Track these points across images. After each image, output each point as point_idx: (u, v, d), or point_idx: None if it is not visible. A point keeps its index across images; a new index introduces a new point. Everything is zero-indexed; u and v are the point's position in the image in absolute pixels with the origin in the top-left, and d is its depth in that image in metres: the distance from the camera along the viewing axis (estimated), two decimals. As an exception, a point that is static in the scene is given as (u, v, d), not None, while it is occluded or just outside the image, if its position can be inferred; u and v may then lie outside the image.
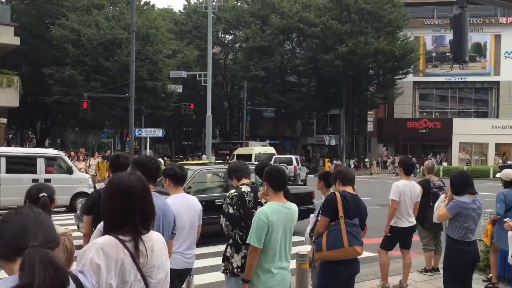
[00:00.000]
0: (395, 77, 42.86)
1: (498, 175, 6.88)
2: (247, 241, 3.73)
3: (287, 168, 27.19)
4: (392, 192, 6.25)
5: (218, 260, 7.78)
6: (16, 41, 30.63)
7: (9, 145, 42.00)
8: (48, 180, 12.69)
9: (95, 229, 3.71)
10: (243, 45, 45.62)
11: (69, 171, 14.33)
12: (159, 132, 27.02)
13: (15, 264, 1.50)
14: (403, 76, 42.84)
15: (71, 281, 1.56)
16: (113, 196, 2.13)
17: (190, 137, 61.89)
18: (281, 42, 44.36)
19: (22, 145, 51.79)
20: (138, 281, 2.08)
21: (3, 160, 13.02)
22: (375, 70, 42.29)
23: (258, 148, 29.56)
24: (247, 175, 4.55)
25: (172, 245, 3.57)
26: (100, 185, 16.05)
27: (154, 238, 2.19)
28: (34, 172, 13.36)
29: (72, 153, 23.86)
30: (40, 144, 46.07)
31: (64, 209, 13.89)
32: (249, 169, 4.68)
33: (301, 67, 44.05)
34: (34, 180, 11.97)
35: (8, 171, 12.99)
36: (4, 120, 30.47)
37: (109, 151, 33.23)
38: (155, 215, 2.26)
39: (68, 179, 14.05)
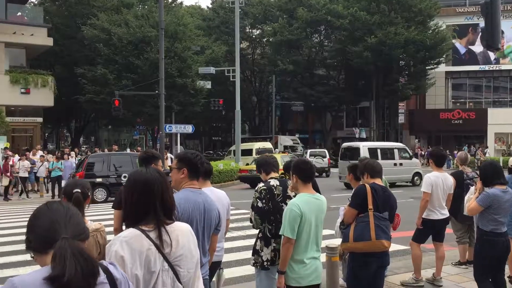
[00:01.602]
0: (426, 67, 41.95)
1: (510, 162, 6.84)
2: (280, 233, 3.77)
3: (323, 161, 28.57)
4: (424, 184, 6.15)
5: (248, 254, 7.87)
6: (49, 42, 31.46)
7: (45, 144, 43.20)
8: (400, 164, 20.96)
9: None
10: (270, 40, 45.48)
11: (410, 157, 21.99)
12: (189, 128, 27.28)
13: (47, 256, 1.54)
14: (435, 66, 41.88)
15: (101, 272, 1.60)
16: (133, 190, 2.20)
17: (220, 132, 62.24)
18: (309, 35, 44.00)
19: (57, 144, 53.23)
20: (166, 270, 2.13)
21: (379, 151, 20.45)
22: (405, 60, 41.48)
23: (258, 144, 31.94)
24: (275, 169, 4.57)
25: (216, 240, 3.58)
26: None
27: (179, 228, 2.24)
28: (393, 158, 20.93)
29: (106, 150, 24.33)
30: (75, 142, 47.22)
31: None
32: (278, 163, 4.69)
33: (330, 60, 43.57)
34: (394, 164, 20.53)
35: (382, 157, 19.57)
36: (40, 119, 31.36)
37: (139, 148, 33.78)
38: (175, 205, 2.30)
39: (409, 163, 21.48)
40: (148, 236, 2.11)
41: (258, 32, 51.28)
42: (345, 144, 22.67)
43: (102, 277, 1.59)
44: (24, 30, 30.07)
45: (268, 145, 32.24)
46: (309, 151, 31.50)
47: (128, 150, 29.72)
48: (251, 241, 8.92)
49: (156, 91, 25.47)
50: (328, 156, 30.05)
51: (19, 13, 34.41)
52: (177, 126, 26.82)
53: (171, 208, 2.24)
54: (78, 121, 48.67)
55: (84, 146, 45.13)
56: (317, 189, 4.05)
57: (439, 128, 42.97)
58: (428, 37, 38.43)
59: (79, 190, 3.11)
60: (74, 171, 17.57)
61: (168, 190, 2.24)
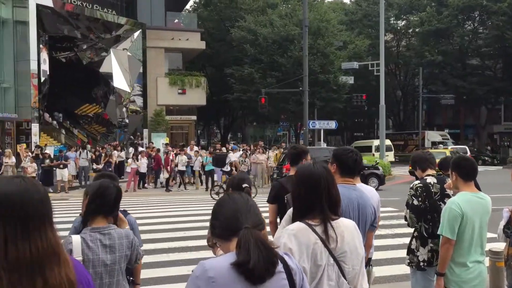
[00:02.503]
0: None
1: None
2: (438, 232, 3.63)
3: None
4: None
5: (397, 253, 7.66)
6: (202, 45, 33.95)
7: (198, 140, 46.70)
8: None
9: (279, 217, 4.00)
10: (417, 30, 43.18)
11: None
12: (332, 124, 27.25)
13: (230, 243, 1.69)
14: None
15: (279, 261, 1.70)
16: (301, 185, 2.30)
17: (362, 128, 61.01)
18: (461, 23, 40.79)
19: (209, 140, 57.18)
20: (332, 265, 2.19)
21: None
22: None
23: (376, 141, 30.90)
24: (432, 166, 4.39)
25: (372, 237, 3.58)
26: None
27: (344, 224, 2.27)
28: None
29: (252, 146, 25.47)
30: (224, 138, 50.27)
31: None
32: (435, 159, 4.50)
33: (485, 48, 39.86)
34: None
35: None
36: (194, 117, 34.04)
37: (283, 144, 34.66)
38: (341, 201, 2.34)
39: None
40: (314, 230, 2.19)
41: (403, 23, 49.03)
42: None
43: (280, 266, 1.68)
44: (180, 35, 32.82)
45: (387, 142, 31.02)
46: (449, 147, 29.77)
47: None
48: (400, 240, 8.69)
49: (300, 88, 25.94)
50: (469, 153, 27.69)
51: (176, 20, 37.66)
52: (320, 122, 26.97)
53: (337, 203, 2.30)
54: (227, 119, 51.66)
55: (232, 142, 47.73)
56: (478, 188, 3.82)
57: None
58: None
59: (247, 185, 3.34)
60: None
61: (334, 185, 2.30)
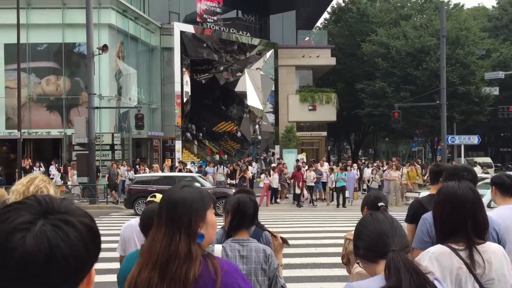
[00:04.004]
0: None
1: None
2: None
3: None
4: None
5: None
6: (333, 61, 34.09)
7: (328, 156, 46.65)
8: None
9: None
10: None
11: None
12: (474, 139, 25.31)
13: (377, 266, 1.67)
14: None
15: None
16: (444, 205, 2.19)
17: (510, 143, 55.54)
18: None
19: (339, 156, 56.74)
20: None
21: None
22: None
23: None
24: None
25: None
26: (413, 194, 16.15)
27: (492, 249, 2.14)
28: None
29: (385, 163, 24.69)
30: (355, 155, 49.44)
31: None
32: None
33: None
34: None
35: None
36: (325, 133, 34.17)
37: (419, 160, 33.01)
38: (489, 225, 2.21)
39: None
40: (458, 255, 2.08)
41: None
42: None
43: None
44: (311, 52, 33.35)
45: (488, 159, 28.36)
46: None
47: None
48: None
49: (437, 101, 24.59)
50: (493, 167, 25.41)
51: (307, 38, 38.35)
52: (460, 137, 25.21)
53: (484, 227, 2.17)
54: (357, 134, 50.79)
55: (363, 158, 46.75)
56: None
57: None
58: None
59: (383, 204, 3.28)
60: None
61: (481, 208, 2.17)
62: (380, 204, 3.25)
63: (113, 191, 20.02)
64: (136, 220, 3.68)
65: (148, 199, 3.95)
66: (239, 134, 33.81)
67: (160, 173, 19.32)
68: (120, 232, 3.86)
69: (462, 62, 31.99)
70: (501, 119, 30.44)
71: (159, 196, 3.88)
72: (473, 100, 32.43)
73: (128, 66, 26.69)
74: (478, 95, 32.26)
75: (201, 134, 33.10)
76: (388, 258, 1.61)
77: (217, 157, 31.35)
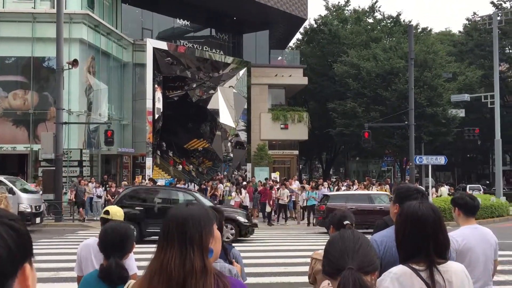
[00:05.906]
0: None
1: None
2: None
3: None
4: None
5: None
6: (305, 81, 34.51)
7: (300, 174, 46.85)
8: None
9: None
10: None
11: None
12: (441, 160, 25.80)
13: (336, 282, 1.66)
14: None
15: None
16: (405, 225, 2.18)
17: (475, 164, 57.03)
18: None
19: (310, 175, 57.08)
20: None
21: None
22: None
23: None
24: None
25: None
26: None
27: (453, 269, 2.14)
28: None
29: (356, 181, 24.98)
30: (325, 173, 49.84)
31: None
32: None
33: None
34: None
35: None
36: (296, 152, 34.35)
37: (388, 180, 33.49)
38: (450, 245, 2.23)
39: None
40: (419, 275, 2.07)
41: (519, 51, 45.67)
42: None
43: None
44: (283, 72, 33.72)
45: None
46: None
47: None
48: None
49: (405, 122, 25.12)
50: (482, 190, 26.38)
51: (279, 57, 38.79)
52: (428, 157, 25.66)
53: (445, 247, 2.17)
54: (329, 153, 51.29)
55: (334, 177, 47.16)
56: None
57: None
58: None
59: (349, 222, 3.29)
60: None
61: (442, 227, 2.17)
62: (345, 222, 3.26)
63: (81, 208, 19.58)
64: (93, 239, 3.56)
65: (101, 216, 3.83)
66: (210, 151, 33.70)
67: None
68: (77, 251, 3.74)
69: (430, 84, 32.84)
70: (467, 140, 31.24)
71: (113, 212, 3.78)
72: (440, 121, 33.23)
73: (99, 82, 26.37)
74: (445, 116, 33.07)
75: (171, 152, 32.84)
76: (341, 276, 1.61)
77: (180, 167, 31.10)
